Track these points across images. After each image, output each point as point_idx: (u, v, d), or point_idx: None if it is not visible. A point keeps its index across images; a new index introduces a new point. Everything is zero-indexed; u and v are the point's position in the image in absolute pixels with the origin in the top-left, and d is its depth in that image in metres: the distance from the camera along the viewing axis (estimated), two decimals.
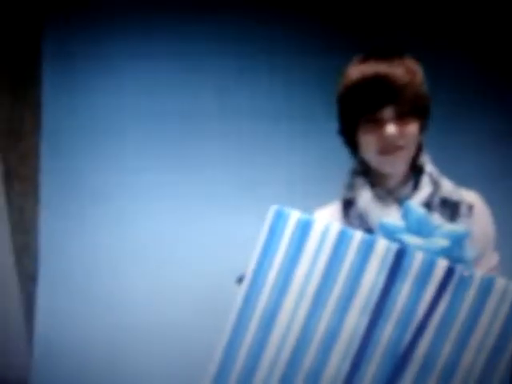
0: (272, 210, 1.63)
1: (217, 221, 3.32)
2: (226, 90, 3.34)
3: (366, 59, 1.90)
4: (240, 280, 1.65)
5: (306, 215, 1.64)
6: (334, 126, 1.96)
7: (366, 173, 1.95)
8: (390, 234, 1.65)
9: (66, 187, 3.39)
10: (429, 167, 1.94)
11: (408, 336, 1.61)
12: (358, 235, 1.62)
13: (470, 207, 1.90)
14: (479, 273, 1.63)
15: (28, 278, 3.32)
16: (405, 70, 1.87)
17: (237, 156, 3.33)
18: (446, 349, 1.61)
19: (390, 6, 3.28)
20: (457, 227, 1.70)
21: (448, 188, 1.91)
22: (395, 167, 1.91)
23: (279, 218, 1.63)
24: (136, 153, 3.39)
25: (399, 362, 1.61)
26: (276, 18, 3.32)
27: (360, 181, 1.94)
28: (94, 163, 3.40)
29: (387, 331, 1.61)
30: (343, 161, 1.99)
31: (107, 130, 3.42)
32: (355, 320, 1.61)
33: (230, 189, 3.31)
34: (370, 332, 1.61)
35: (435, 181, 1.92)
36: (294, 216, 1.63)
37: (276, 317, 1.62)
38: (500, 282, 1.61)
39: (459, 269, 1.61)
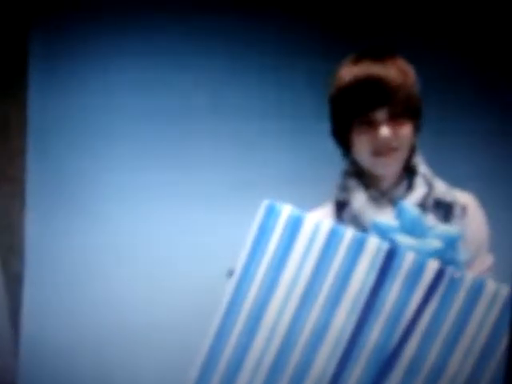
0: (263, 204, 1.62)
1: (206, 221, 3.31)
2: (217, 90, 3.33)
3: (358, 60, 1.89)
4: (230, 274, 1.63)
5: (297, 211, 1.62)
6: (325, 126, 1.95)
7: (358, 174, 1.94)
8: (383, 233, 1.64)
9: (53, 188, 3.37)
10: (422, 168, 1.93)
11: (395, 338, 1.60)
12: (349, 233, 1.61)
13: (464, 208, 1.89)
14: (470, 275, 1.62)
15: (14, 278, 3.30)
16: (397, 72, 1.86)
17: (227, 155, 3.32)
18: (433, 352, 1.60)
19: (378, 5, 3.28)
20: (450, 229, 1.70)
21: (441, 189, 1.90)
22: (388, 169, 1.90)
23: (270, 214, 1.61)
24: (125, 153, 3.37)
25: (385, 364, 1.60)
26: (266, 19, 3.32)
27: (353, 182, 1.93)
28: (81, 164, 3.39)
29: (374, 333, 1.60)
30: (335, 162, 1.98)
31: (95, 131, 3.40)
32: (342, 321, 1.60)
33: (221, 188, 3.31)
34: (357, 333, 1.61)
35: (429, 182, 1.91)
36: (285, 212, 1.61)
37: (261, 320, 1.61)
38: (491, 285, 1.61)
39: (449, 271, 1.61)
